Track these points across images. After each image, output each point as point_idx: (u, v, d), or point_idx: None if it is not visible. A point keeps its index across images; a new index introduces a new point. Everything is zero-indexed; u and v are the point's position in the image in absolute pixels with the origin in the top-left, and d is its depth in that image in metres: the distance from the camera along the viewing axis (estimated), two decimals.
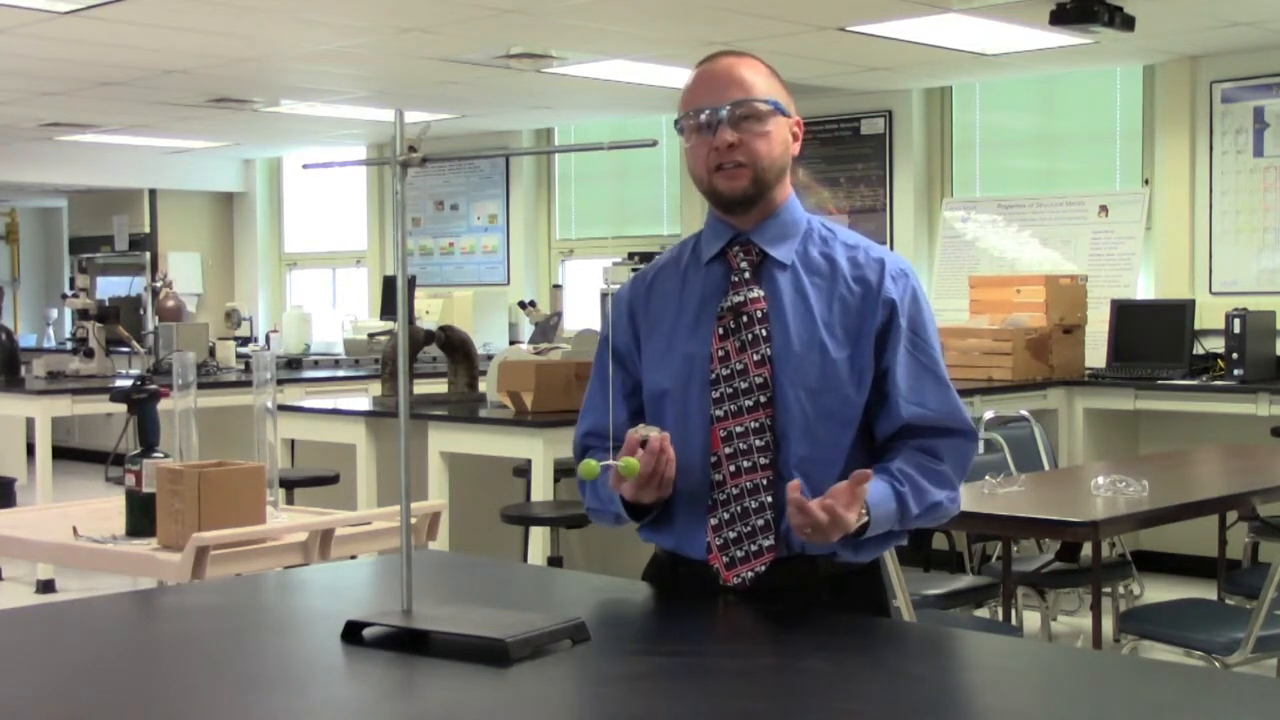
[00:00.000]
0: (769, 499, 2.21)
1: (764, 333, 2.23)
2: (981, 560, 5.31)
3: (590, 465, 2.16)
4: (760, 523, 2.21)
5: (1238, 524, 5.67)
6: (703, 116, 2.23)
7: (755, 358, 2.22)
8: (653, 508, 2.26)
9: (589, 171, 10.16)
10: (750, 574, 2.21)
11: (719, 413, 2.22)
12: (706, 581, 2.24)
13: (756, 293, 2.25)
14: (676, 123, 2.29)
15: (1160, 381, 6.86)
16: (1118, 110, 7.84)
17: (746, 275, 2.26)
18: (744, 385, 2.22)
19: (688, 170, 2.32)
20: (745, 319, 2.24)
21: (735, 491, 2.22)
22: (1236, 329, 6.68)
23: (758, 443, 2.21)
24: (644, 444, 2.15)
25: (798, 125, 2.31)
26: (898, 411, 2.23)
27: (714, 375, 2.23)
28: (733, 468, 2.22)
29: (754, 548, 2.21)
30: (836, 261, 2.27)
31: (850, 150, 8.52)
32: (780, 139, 2.26)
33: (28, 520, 3.56)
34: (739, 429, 2.22)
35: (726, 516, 2.23)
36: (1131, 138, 7.76)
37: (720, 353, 2.24)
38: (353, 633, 1.96)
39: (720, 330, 2.25)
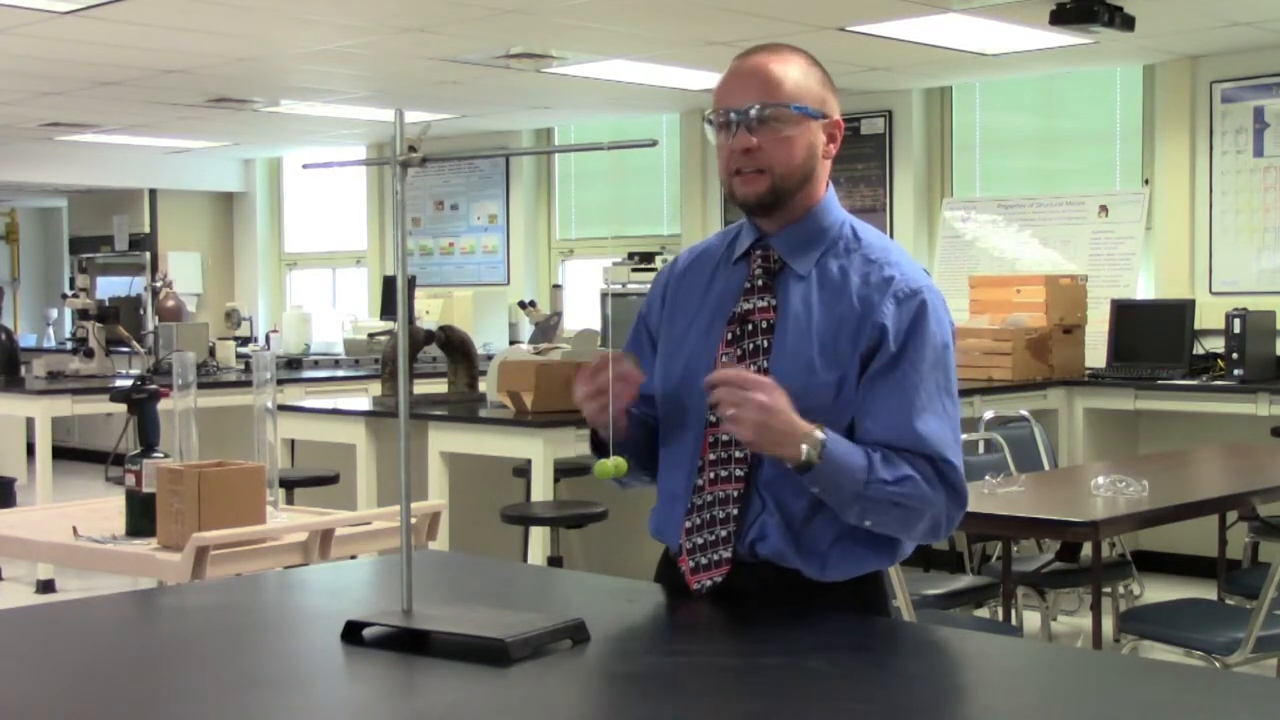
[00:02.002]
0: (735, 511, 2.19)
1: (765, 344, 2.20)
2: (981, 560, 5.31)
3: (605, 465, 2.15)
4: (724, 534, 2.20)
5: (1238, 524, 5.67)
6: (725, 117, 2.18)
7: (753, 369, 2.18)
8: (614, 443, 2.20)
9: (589, 171, 10.16)
10: (709, 582, 2.20)
11: (713, 418, 2.20)
12: None
13: (767, 302, 2.22)
14: (705, 118, 2.25)
15: (1160, 381, 6.86)
16: (1118, 110, 7.84)
17: (760, 283, 2.23)
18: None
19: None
20: (750, 328, 2.21)
21: (709, 499, 2.21)
22: (1236, 329, 6.68)
23: (738, 454, 2.20)
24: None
25: (836, 126, 2.23)
26: (867, 432, 2.14)
27: None
28: (712, 475, 2.21)
29: (715, 557, 2.20)
30: (849, 277, 2.20)
31: (850, 150, 8.52)
32: (805, 144, 2.18)
33: (28, 520, 3.55)
34: (725, 438, 2.20)
35: (698, 522, 2.22)
36: (1131, 138, 7.76)
37: (724, 359, 2.22)
38: (353, 633, 1.96)
39: (728, 335, 2.23)
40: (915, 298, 2.17)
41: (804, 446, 2.07)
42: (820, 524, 2.17)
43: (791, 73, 2.19)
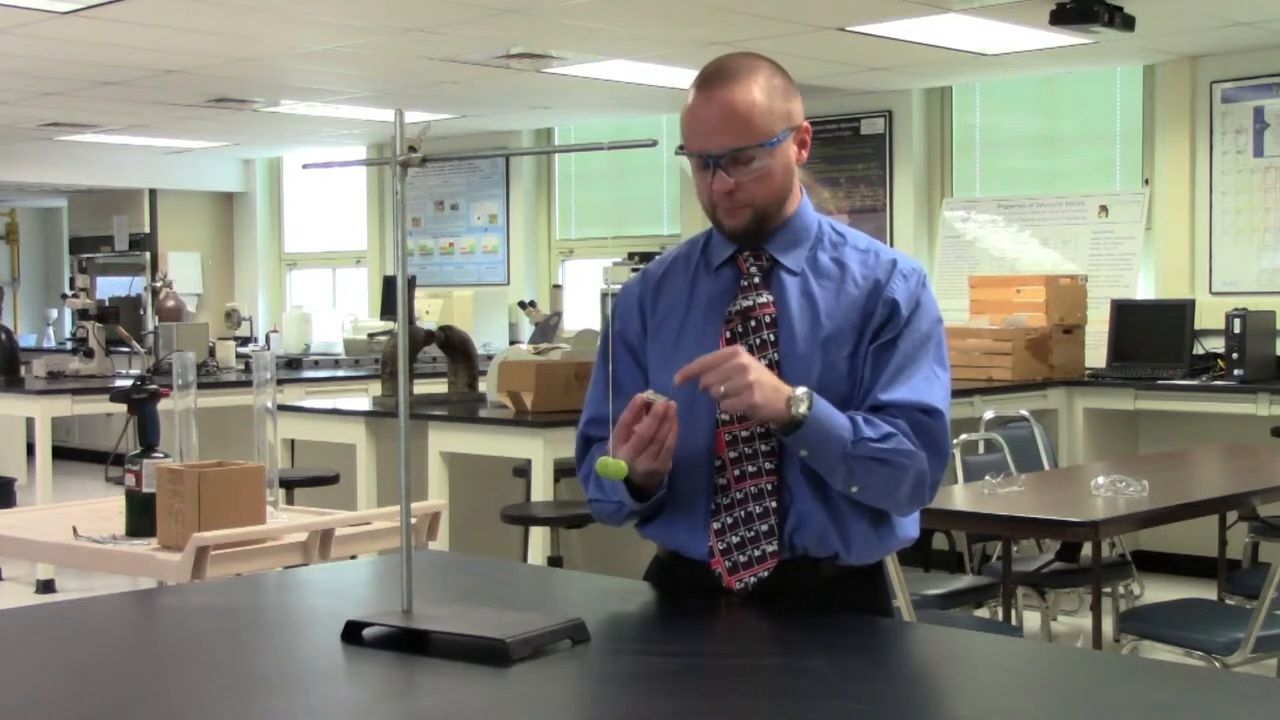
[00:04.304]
0: (773, 504, 2.20)
1: (771, 338, 2.22)
2: (981, 560, 5.31)
3: (620, 465, 2.14)
4: (764, 528, 2.20)
5: (1238, 524, 5.67)
6: (699, 160, 2.20)
7: (763, 362, 2.20)
8: (653, 491, 2.23)
9: (589, 171, 10.16)
10: (753, 579, 2.20)
11: (724, 416, 2.21)
12: (708, 582, 2.23)
13: (765, 298, 2.24)
14: (679, 151, 2.25)
15: (1160, 381, 6.86)
16: (1118, 110, 7.84)
17: (756, 280, 2.25)
18: None
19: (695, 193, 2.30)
20: (753, 323, 2.23)
21: (739, 496, 2.21)
22: (1236, 329, 6.68)
23: (763, 447, 2.20)
24: (648, 408, 2.14)
25: (805, 131, 2.26)
26: (863, 400, 2.21)
27: None
28: (737, 472, 2.21)
29: (757, 553, 2.20)
30: (847, 265, 2.26)
31: (850, 150, 8.52)
32: (781, 166, 2.22)
33: (28, 520, 3.55)
34: (744, 433, 2.21)
35: (730, 521, 2.22)
36: (1131, 138, 7.76)
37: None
38: (353, 633, 1.96)
39: (728, 334, 2.24)
40: (917, 274, 2.28)
41: (791, 401, 2.12)
42: (849, 505, 2.21)
43: (757, 101, 2.18)
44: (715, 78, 2.20)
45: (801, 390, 2.13)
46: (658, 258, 2.44)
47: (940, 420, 2.21)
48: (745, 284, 2.26)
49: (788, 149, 2.23)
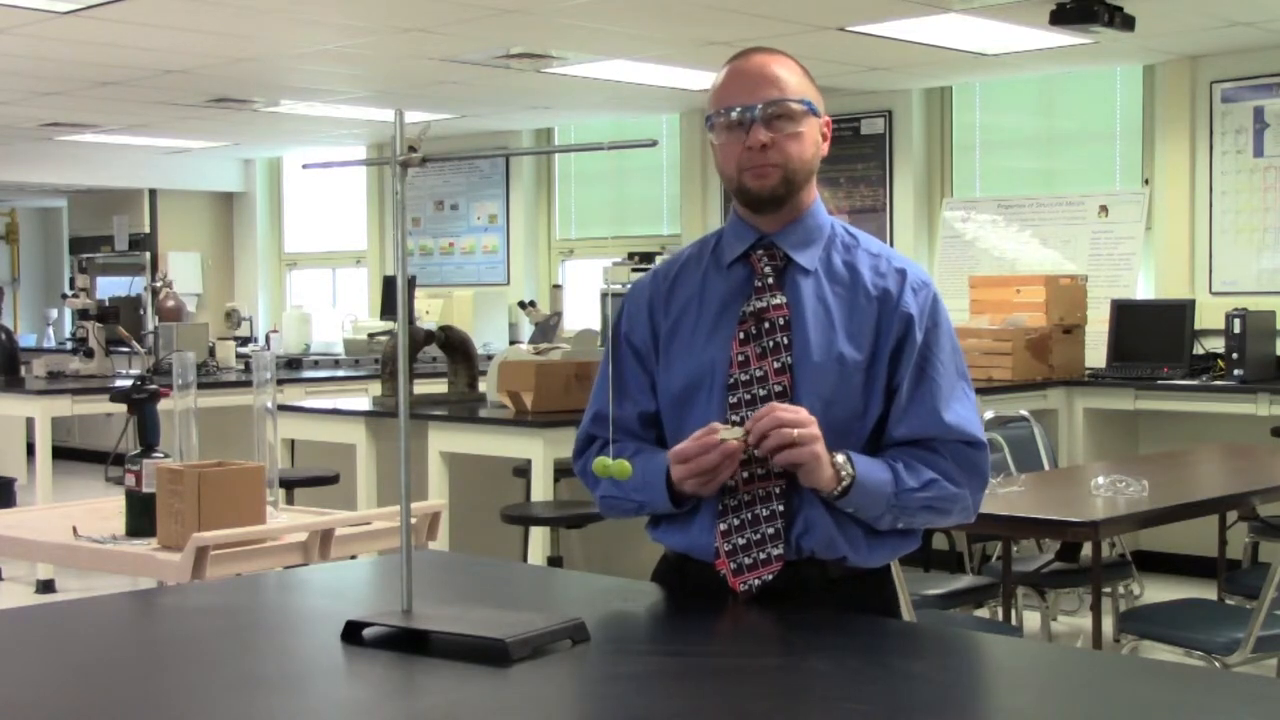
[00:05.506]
0: (780, 508, 2.19)
1: (785, 340, 2.21)
2: (981, 560, 5.31)
3: (623, 466, 2.15)
4: (770, 531, 2.19)
5: (1238, 524, 5.67)
6: (735, 114, 2.21)
7: (775, 365, 2.20)
8: (689, 499, 2.24)
9: (589, 171, 10.16)
10: (757, 581, 2.20)
11: (735, 418, 2.20)
12: (715, 583, 2.23)
13: (779, 299, 2.23)
14: (708, 119, 2.27)
15: (1160, 381, 6.86)
16: (1118, 110, 7.84)
17: (770, 280, 2.24)
18: (762, 392, 2.20)
19: (716, 167, 2.30)
20: (767, 325, 2.22)
21: (747, 498, 2.21)
22: (1236, 329, 6.68)
23: None
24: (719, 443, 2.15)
25: (827, 125, 2.29)
26: (898, 427, 2.23)
27: (732, 380, 2.22)
28: (745, 474, 2.20)
29: (763, 555, 2.20)
30: (859, 271, 2.25)
31: (850, 150, 8.52)
32: (812, 139, 2.25)
33: (28, 520, 3.55)
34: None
35: (736, 523, 2.21)
36: (1131, 138, 7.76)
37: (740, 358, 2.22)
38: (353, 633, 1.96)
39: (741, 335, 2.23)
40: (927, 289, 2.27)
41: (836, 465, 2.15)
42: None
43: (793, 72, 2.25)
44: (750, 52, 2.29)
45: (841, 456, 2.16)
46: (667, 258, 2.43)
47: (984, 451, 2.26)
48: (759, 284, 2.25)
49: (816, 127, 2.26)
